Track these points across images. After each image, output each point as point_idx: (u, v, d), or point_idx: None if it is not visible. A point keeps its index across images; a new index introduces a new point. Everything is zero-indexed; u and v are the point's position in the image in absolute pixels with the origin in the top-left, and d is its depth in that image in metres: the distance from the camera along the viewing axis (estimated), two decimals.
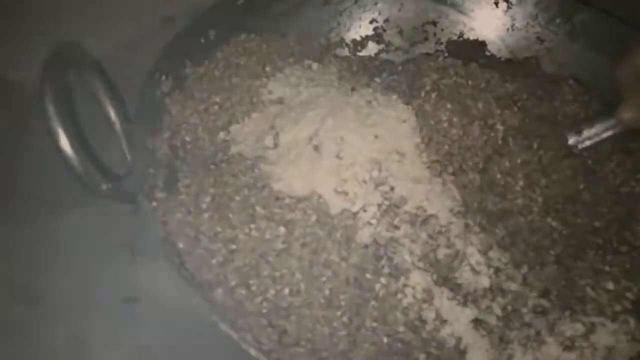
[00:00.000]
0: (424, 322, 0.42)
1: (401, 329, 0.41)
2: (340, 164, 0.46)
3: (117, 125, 0.45)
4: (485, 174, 0.49)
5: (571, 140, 0.50)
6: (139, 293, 0.53)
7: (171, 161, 0.48)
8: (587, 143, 0.50)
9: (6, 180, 0.58)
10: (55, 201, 0.57)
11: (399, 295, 0.43)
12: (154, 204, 0.44)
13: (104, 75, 0.44)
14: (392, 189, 0.46)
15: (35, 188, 0.58)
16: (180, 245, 0.43)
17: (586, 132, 0.50)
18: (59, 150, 0.40)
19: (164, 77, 0.50)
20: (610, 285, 0.44)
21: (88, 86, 0.43)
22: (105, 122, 0.44)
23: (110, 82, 0.44)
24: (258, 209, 0.45)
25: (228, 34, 0.56)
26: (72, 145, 0.40)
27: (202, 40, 0.54)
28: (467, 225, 0.46)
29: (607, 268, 0.45)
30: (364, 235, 0.44)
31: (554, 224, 0.48)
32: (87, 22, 0.55)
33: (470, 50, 0.61)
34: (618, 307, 0.43)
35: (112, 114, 0.44)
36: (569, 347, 0.41)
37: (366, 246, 0.44)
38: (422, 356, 0.40)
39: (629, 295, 0.43)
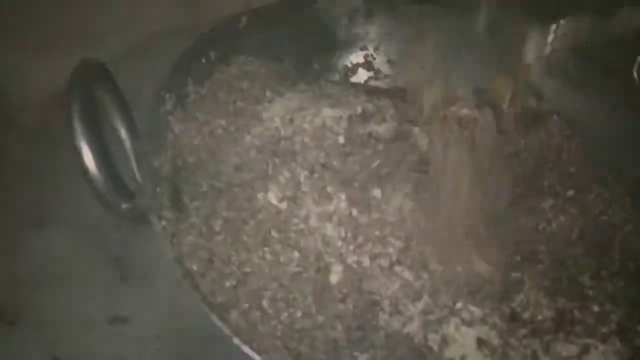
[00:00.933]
0: (429, 348, 0.43)
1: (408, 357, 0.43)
2: None
3: (128, 144, 0.43)
4: None
5: None
6: (127, 312, 0.52)
7: (174, 179, 0.48)
8: None
9: None
10: (38, 217, 0.55)
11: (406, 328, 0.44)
12: (163, 223, 0.43)
13: (118, 91, 0.43)
14: None
15: (18, 203, 0.56)
16: (194, 267, 0.43)
17: None
18: (83, 168, 0.38)
19: (168, 95, 0.50)
20: (596, 308, 0.47)
21: (103, 103, 0.42)
22: (115, 139, 0.43)
23: (124, 100, 0.43)
24: (273, 233, 0.45)
25: (228, 55, 0.56)
26: (97, 164, 0.39)
27: (203, 60, 0.54)
28: None
29: (590, 292, 0.48)
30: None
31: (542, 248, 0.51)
32: (95, 38, 0.54)
33: None
34: (605, 329, 0.46)
35: (123, 132, 0.43)
36: None
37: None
38: None
39: (613, 317, 0.46)
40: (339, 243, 0.46)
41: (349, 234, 0.47)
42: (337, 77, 0.65)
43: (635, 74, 0.57)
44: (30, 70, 0.42)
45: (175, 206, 0.46)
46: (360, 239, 0.47)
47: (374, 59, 0.66)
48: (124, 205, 0.42)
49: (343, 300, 0.44)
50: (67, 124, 0.38)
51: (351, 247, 0.46)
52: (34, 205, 0.56)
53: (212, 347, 0.49)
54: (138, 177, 0.43)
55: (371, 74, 0.66)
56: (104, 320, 0.51)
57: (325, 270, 0.45)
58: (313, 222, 0.47)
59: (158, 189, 0.45)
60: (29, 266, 0.53)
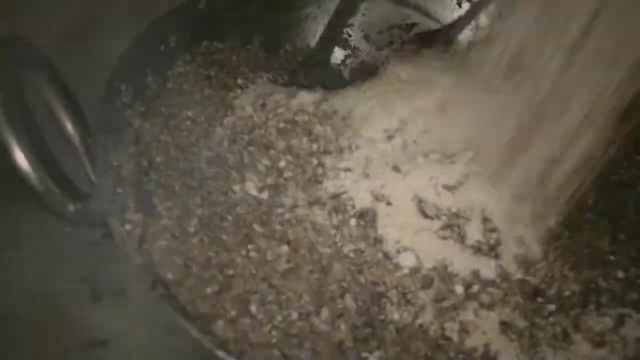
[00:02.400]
0: (448, 339, 0.39)
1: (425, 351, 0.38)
2: None
3: (76, 140, 0.38)
4: None
5: None
6: (104, 334, 0.47)
7: (140, 180, 0.43)
8: None
9: None
10: (4, 234, 0.50)
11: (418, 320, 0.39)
12: (128, 227, 0.39)
13: (59, 79, 0.37)
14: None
15: None
16: (169, 276, 0.38)
17: None
18: (13, 165, 0.32)
19: (123, 87, 0.44)
20: (621, 274, 0.44)
21: (40, 92, 0.36)
22: (62, 135, 0.37)
23: (66, 89, 0.38)
24: (256, 227, 0.41)
25: (190, 41, 0.51)
26: (29, 159, 0.33)
27: (162, 47, 0.49)
28: None
29: (612, 258, 0.45)
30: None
31: None
32: (30, 14, 0.48)
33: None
34: (636, 295, 0.42)
35: (70, 127, 0.37)
36: (599, 343, 0.39)
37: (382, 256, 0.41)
38: None
39: None
40: (332, 231, 0.42)
41: (343, 221, 0.42)
42: (311, 58, 0.61)
43: None
44: None
45: (142, 208, 0.41)
46: (354, 224, 0.42)
47: (350, 36, 0.62)
48: (71, 207, 0.36)
49: (343, 295, 0.39)
50: None
51: (346, 234, 0.42)
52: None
53: None
54: (92, 176, 0.38)
55: (348, 52, 0.61)
56: (79, 346, 0.47)
57: (320, 262, 0.40)
58: (301, 210, 0.42)
59: (119, 190, 0.40)
60: None
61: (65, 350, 0.46)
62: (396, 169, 0.44)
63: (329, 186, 0.44)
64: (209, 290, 0.38)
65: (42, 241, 0.50)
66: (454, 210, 0.42)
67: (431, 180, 0.43)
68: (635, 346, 0.39)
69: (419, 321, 0.39)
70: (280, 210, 0.42)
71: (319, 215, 0.42)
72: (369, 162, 0.45)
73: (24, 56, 0.36)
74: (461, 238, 0.42)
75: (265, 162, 0.45)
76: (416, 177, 0.43)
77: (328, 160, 0.46)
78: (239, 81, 0.53)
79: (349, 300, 0.39)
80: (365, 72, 0.60)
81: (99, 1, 0.53)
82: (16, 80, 0.34)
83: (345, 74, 0.61)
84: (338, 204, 0.43)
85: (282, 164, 0.44)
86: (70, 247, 0.49)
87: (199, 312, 0.37)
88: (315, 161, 0.45)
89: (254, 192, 0.43)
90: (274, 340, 0.37)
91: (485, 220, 0.42)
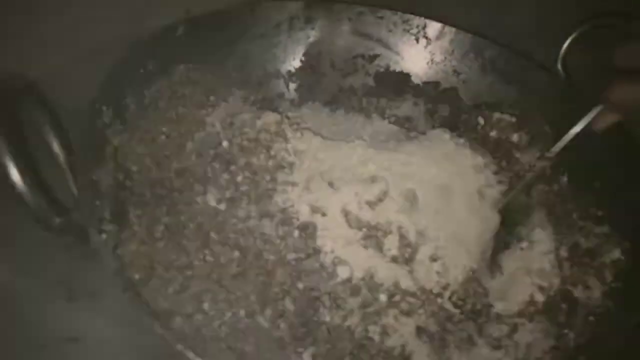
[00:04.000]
0: (370, 339, 0.45)
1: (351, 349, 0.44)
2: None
3: (61, 158, 0.43)
4: None
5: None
6: (78, 333, 0.51)
7: (116, 193, 0.48)
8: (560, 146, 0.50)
9: None
10: None
11: (347, 322, 0.45)
12: (104, 236, 0.43)
13: (47, 106, 0.43)
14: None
15: None
16: (136, 276, 0.43)
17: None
18: (10, 183, 0.38)
19: (104, 108, 0.49)
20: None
21: (32, 118, 0.41)
22: (49, 153, 0.42)
23: (53, 114, 0.43)
24: (212, 234, 0.45)
25: (167, 65, 0.56)
26: (24, 178, 0.39)
27: (142, 71, 0.54)
28: None
29: None
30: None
31: None
32: (22, 52, 0.53)
33: (398, 81, 0.66)
34: (532, 309, 0.48)
35: (56, 146, 0.43)
36: (496, 346, 0.45)
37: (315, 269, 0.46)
38: None
39: (538, 297, 0.48)
40: (278, 241, 0.47)
41: (288, 232, 0.48)
42: (281, 82, 0.66)
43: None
44: None
45: (117, 218, 0.46)
46: (297, 235, 0.47)
47: (318, 63, 0.67)
48: (57, 220, 0.41)
49: (284, 297, 0.45)
50: None
51: (290, 244, 0.47)
52: None
53: None
54: (74, 191, 0.43)
55: (315, 78, 0.67)
56: (54, 342, 0.50)
57: (265, 268, 0.45)
58: (252, 221, 0.47)
59: (97, 202, 0.45)
60: None
61: (41, 346, 0.49)
62: (331, 184, 0.49)
63: (279, 200, 0.49)
64: (170, 289, 0.43)
65: (21, 243, 0.52)
66: (373, 223, 0.47)
67: (356, 195, 0.48)
68: (525, 349, 0.45)
69: (347, 323, 0.44)
70: (234, 220, 0.47)
71: (267, 227, 0.47)
72: (310, 178, 0.49)
73: (17, 85, 0.41)
74: (380, 249, 0.47)
75: (226, 176, 0.49)
76: (345, 193, 0.48)
77: (280, 176, 0.50)
78: (212, 98, 0.57)
79: (288, 302, 0.44)
80: (329, 95, 0.67)
81: (92, 31, 0.57)
82: (13, 110, 0.40)
83: (311, 97, 0.66)
84: (285, 217, 0.48)
85: (239, 178, 0.49)
86: (48, 250, 0.51)
87: (160, 309, 0.41)
88: (268, 177, 0.50)
89: (213, 203, 0.48)
90: (222, 335, 0.42)
91: (401, 236, 0.47)
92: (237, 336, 0.42)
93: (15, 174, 0.39)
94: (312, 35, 0.66)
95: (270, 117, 0.55)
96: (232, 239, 0.46)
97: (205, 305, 0.43)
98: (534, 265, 0.49)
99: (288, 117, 0.56)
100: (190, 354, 0.38)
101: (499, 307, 0.47)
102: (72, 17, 0.55)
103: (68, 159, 0.44)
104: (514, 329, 0.46)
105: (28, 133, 0.41)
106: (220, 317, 0.43)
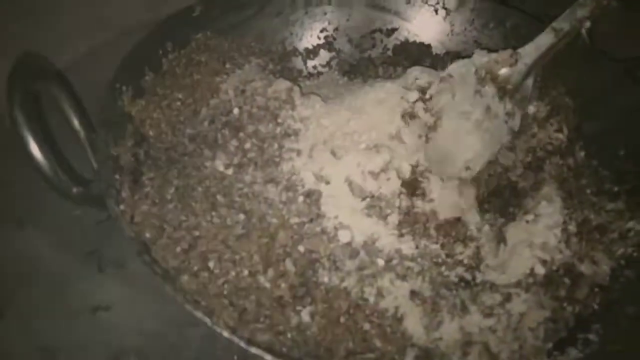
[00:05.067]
0: (365, 300, 0.45)
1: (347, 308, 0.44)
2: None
3: (82, 134, 0.47)
4: None
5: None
6: (107, 301, 0.54)
7: (135, 167, 0.50)
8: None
9: None
10: (22, 214, 0.58)
11: (344, 283, 0.45)
12: (122, 207, 0.46)
13: (67, 85, 0.46)
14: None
15: (3, 201, 0.58)
16: (147, 235, 0.45)
17: None
18: (29, 155, 0.41)
19: (124, 88, 0.52)
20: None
21: (53, 96, 0.45)
22: (71, 131, 0.45)
23: (73, 93, 0.46)
24: (219, 197, 0.47)
25: (185, 45, 0.58)
26: (42, 150, 0.42)
27: (160, 52, 0.56)
28: None
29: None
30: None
31: None
32: (46, 35, 0.57)
33: (417, 53, 0.65)
34: (530, 280, 0.47)
35: (76, 123, 0.46)
36: (488, 314, 0.45)
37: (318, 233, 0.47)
38: (367, 325, 0.43)
39: (538, 270, 0.47)
40: (281, 205, 0.48)
41: (292, 198, 0.49)
42: (299, 59, 0.67)
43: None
44: None
45: (133, 185, 0.48)
46: (301, 201, 0.48)
47: (335, 39, 0.68)
48: (74, 190, 0.44)
49: (285, 259, 0.46)
50: (9, 114, 0.41)
51: (293, 209, 0.48)
52: (12, 208, 0.58)
53: (192, 329, 0.51)
54: (94, 165, 0.46)
55: (333, 54, 0.68)
56: (87, 309, 0.53)
57: (268, 230, 0.46)
58: (257, 187, 0.49)
59: (117, 177, 0.47)
60: (12, 264, 0.55)
61: (75, 314, 0.53)
62: (333, 153, 0.50)
63: (284, 168, 0.50)
64: (178, 248, 0.45)
65: (55, 220, 0.56)
66: (376, 193, 0.48)
67: (359, 166, 0.49)
68: (518, 319, 0.44)
69: (344, 284, 0.45)
70: (240, 185, 0.48)
71: (272, 192, 0.48)
72: (314, 146, 0.50)
73: (39, 68, 0.44)
74: (384, 218, 0.47)
75: (235, 143, 0.51)
76: (348, 162, 0.49)
77: (286, 143, 0.51)
78: (227, 66, 0.58)
79: (289, 263, 0.45)
80: (347, 72, 0.67)
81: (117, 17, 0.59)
82: (32, 88, 0.43)
83: (329, 72, 0.67)
84: (289, 184, 0.49)
85: (247, 145, 0.50)
86: (80, 225, 0.56)
87: (169, 266, 0.43)
88: (275, 145, 0.51)
89: (221, 168, 0.49)
90: (225, 292, 0.43)
91: (405, 207, 0.48)
92: (239, 294, 0.44)
93: (33, 146, 0.42)
94: (329, 10, 0.66)
95: (281, 85, 0.56)
96: (237, 202, 0.47)
97: (211, 264, 0.45)
98: (538, 239, 0.48)
99: (299, 85, 0.57)
100: (199, 314, 0.40)
101: (495, 277, 0.46)
102: (105, 5, 0.57)
103: (88, 136, 0.46)
104: (508, 298, 0.45)
105: (49, 110, 0.44)
106: (224, 275, 0.44)
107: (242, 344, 0.39)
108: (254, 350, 0.39)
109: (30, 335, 0.52)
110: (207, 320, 0.40)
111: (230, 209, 0.47)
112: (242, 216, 0.47)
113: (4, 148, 0.48)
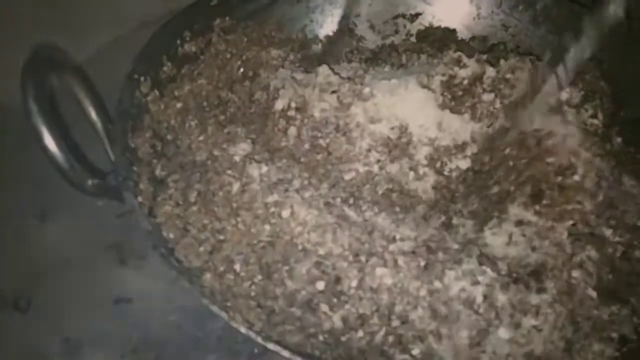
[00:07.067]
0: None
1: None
2: None
3: (99, 126, 0.46)
4: None
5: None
6: (129, 293, 0.55)
7: (153, 159, 0.49)
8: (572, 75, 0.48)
9: None
10: (44, 208, 0.58)
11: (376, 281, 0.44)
12: (140, 199, 0.45)
13: (84, 77, 0.45)
14: None
15: (21, 200, 0.59)
16: (170, 235, 0.44)
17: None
18: (43, 147, 0.41)
19: (142, 79, 0.51)
20: None
21: (69, 88, 0.44)
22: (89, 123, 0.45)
23: (90, 84, 0.45)
24: (242, 211, 0.45)
25: (203, 35, 0.57)
26: (57, 143, 0.41)
27: (178, 41, 0.55)
28: None
29: None
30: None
31: None
32: (64, 28, 0.56)
33: (442, 38, 0.63)
34: None
35: (93, 115, 0.45)
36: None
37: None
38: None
39: None
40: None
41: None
42: (319, 47, 0.65)
43: None
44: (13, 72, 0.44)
45: (153, 182, 0.47)
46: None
47: (356, 25, 0.65)
48: (89, 182, 0.43)
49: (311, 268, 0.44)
50: (23, 105, 0.40)
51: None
52: (35, 202, 0.58)
53: (212, 322, 0.52)
54: (111, 156, 0.45)
55: (354, 41, 0.65)
56: (109, 301, 0.54)
57: (293, 242, 0.45)
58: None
59: (135, 168, 0.46)
60: (36, 257, 0.56)
61: (97, 307, 0.53)
62: None
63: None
64: (202, 249, 0.43)
65: (77, 213, 0.57)
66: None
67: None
68: None
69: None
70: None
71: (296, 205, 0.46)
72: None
73: (54, 60, 0.43)
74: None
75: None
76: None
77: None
78: (244, 57, 0.57)
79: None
80: (369, 60, 0.65)
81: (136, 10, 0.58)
82: (46, 80, 0.42)
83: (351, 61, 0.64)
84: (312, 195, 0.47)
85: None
86: (101, 218, 0.56)
87: (192, 266, 0.42)
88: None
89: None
90: (252, 294, 0.42)
91: None
92: (267, 295, 0.42)
93: (47, 137, 0.41)
94: None
95: (308, 78, 0.54)
96: (261, 214, 0.45)
97: (237, 267, 0.43)
98: None
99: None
100: (214, 308, 0.39)
101: None
102: None
103: (105, 128, 0.45)
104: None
105: (68, 103, 0.43)
106: (250, 278, 0.43)
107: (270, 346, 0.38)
108: (285, 353, 0.37)
109: (53, 327, 0.52)
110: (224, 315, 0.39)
111: (254, 219, 0.45)
112: (267, 227, 0.45)
113: (24, 142, 0.48)
